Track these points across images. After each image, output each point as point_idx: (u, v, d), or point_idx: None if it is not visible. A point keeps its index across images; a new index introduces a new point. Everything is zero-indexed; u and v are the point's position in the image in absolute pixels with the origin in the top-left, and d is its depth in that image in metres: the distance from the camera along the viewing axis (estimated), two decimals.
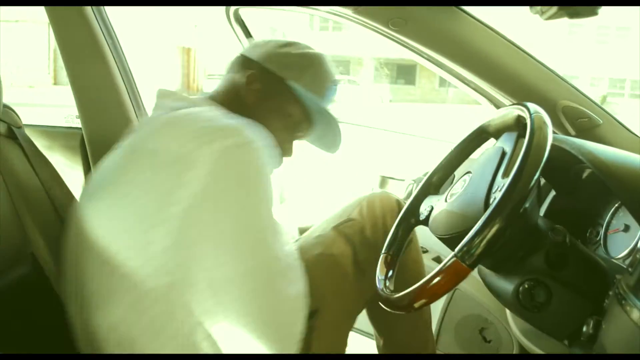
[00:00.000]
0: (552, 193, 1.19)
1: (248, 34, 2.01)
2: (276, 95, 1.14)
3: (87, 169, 1.70)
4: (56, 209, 1.14)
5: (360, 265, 1.18)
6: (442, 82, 26.61)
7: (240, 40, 2.03)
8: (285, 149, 1.18)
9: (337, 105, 1.22)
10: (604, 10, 0.90)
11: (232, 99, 1.12)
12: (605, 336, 0.76)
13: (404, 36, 1.28)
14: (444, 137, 2.05)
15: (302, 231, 1.35)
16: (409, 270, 1.24)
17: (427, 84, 27.09)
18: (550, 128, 0.87)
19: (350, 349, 1.19)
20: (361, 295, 1.19)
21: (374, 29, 1.31)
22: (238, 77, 1.15)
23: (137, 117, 1.63)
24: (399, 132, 2.29)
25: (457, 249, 0.81)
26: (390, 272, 1.08)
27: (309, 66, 1.16)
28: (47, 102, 10.05)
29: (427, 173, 1.16)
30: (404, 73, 27.22)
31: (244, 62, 1.17)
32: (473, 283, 1.49)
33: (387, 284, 1.05)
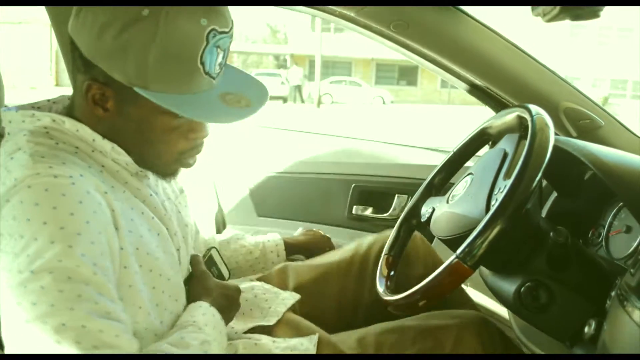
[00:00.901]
0: (554, 194, 1.19)
1: None
2: (131, 110, 0.81)
3: None
4: None
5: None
6: (444, 83, 26.65)
7: None
8: (184, 159, 0.90)
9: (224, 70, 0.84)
10: (605, 11, 0.90)
11: (87, 114, 0.83)
12: (607, 337, 0.76)
13: (406, 39, 1.28)
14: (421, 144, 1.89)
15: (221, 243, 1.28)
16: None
17: (429, 85, 27.10)
18: (552, 130, 0.87)
19: None
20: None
21: (376, 31, 1.31)
22: (80, 80, 0.82)
23: None
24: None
25: (459, 250, 0.81)
26: (392, 273, 1.09)
27: (139, 53, 0.75)
28: None
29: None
30: (406, 74, 27.24)
31: (81, 58, 0.80)
32: (475, 285, 1.49)
33: (389, 284, 1.05)
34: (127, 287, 0.79)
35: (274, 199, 1.91)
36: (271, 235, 1.33)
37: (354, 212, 1.80)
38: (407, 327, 1.06)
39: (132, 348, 0.73)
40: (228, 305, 0.97)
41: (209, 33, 0.77)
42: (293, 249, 1.34)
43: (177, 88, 0.78)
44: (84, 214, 0.73)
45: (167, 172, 0.90)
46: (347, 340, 1.04)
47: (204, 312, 0.90)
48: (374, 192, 1.80)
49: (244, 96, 0.84)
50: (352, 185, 1.80)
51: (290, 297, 1.14)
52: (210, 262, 1.10)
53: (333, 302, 1.21)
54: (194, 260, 1.03)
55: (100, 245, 0.74)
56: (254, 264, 1.28)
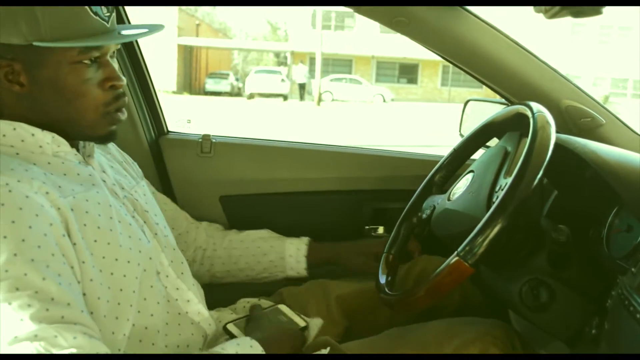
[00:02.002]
0: (555, 193, 1.19)
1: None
2: (41, 73, 0.82)
3: None
4: None
5: None
6: (444, 81, 26.64)
7: None
8: (111, 114, 0.90)
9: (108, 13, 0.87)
10: (606, 9, 0.90)
11: (6, 99, 0.85)
12: (608, 336, 0.76)
13: (407, 36, 1.27)
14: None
15: None
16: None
17: (430, 83, 27.08)
18: (553, 128, 0.86)
19: None
20: None
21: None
22: None
23: (139, 117, 1.57)
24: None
25: (459, 248, 0.81)
26: (392, 272, 1.08)
27: (26, 10, 0.78)
28: None
29: None
30: (407, 72, 27.23)
31: None
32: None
33: (389, 282, 1.05)
34: (89, 281, 0.79)
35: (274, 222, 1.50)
36: (297, 240, 1.27)
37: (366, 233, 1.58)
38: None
39: (94, 347, 0.71)
40: (281, 336, 0.97)
41: None
42: (319, 256, 1.26)
43: (72, 32, 0.81)
44: (25, 220, 0.73)
45: (101, 134, 0.90)
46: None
47: (239, 342, 0.89)
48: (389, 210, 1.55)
49: (141, 29, 0.91)
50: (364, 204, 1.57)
51: (315, 327, 1.11)
52: (275, 312, 1.09)
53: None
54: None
55: (49, 247, 0.74)
56: (268, 267, 1.25)
